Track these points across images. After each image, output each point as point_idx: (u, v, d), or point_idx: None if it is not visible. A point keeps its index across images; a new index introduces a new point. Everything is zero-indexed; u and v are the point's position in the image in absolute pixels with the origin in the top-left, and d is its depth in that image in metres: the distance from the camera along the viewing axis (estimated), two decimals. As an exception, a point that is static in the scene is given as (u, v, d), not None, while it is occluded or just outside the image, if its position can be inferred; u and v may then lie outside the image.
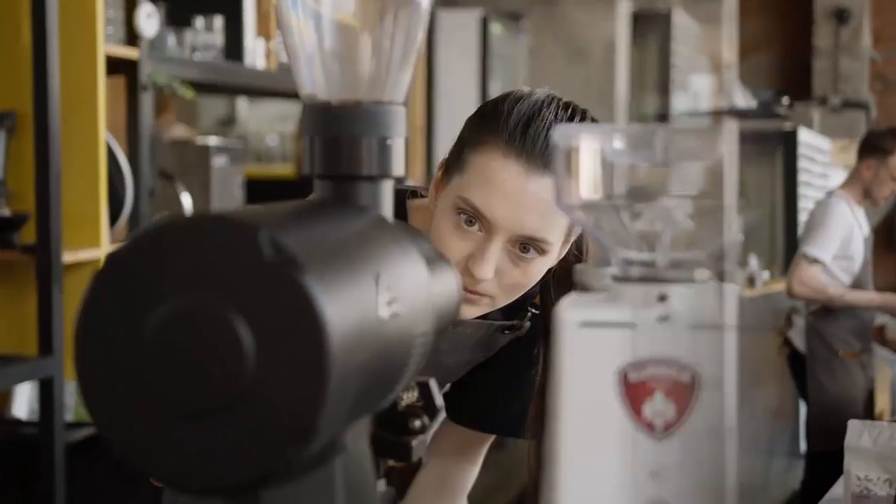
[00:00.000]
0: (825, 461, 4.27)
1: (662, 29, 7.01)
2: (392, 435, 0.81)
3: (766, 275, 6.23)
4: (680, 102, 6.97)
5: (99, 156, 2.57)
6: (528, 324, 1.41)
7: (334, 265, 0.69)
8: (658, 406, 0.70)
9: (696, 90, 7.30)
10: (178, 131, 3.91)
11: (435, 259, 0.90)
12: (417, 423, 0.82)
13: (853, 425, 1.93)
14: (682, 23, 6.92)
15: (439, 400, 0.85)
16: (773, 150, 6.84)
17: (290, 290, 0.64)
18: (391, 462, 0.82)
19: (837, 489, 2.08)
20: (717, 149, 0.72)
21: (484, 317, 1.34)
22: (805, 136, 6.99)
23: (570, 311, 0.72)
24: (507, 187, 1.21)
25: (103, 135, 2.58)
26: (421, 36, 0.88)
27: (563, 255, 1.32)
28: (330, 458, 0.69)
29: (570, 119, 1.28)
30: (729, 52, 5.58)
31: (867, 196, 4.35)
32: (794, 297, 4.36)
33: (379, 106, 0.85)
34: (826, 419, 4.17)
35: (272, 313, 0.64)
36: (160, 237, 0.66)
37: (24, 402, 2.81)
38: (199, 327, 0.64)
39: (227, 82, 3.22)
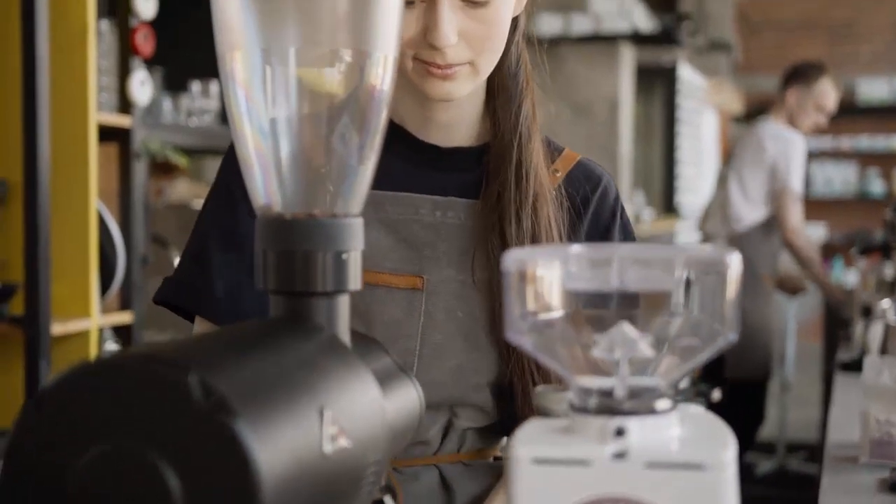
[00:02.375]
0: (740, 390, 4.27)
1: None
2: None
3: (650, 212, 6.31)
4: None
5: (90, 225, 2.55)
6: None
7: (272, 403, 0.66)
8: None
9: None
10: (182, 187, 3.90)
11: (393, 374, 0.87)
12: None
13: (871, 361, 1.79)
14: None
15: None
16: (651, 85, 6.97)
17: (221, 436, 0.61)
18: None
19: (852, 434, 1.88)
20: (672, 277, 0.69)
21: None
22: (684, 73, 7.09)
23: (524, 447, 0.69)
24: None
25: (94, 203, 2.56)
26: (377, 146, 0.85)
27: None
28: None
29: None
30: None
31: (792, 125, 4.48)
32: (789, 242, 4.36)
33: (335, 219, 0.83)
34: (744, 346, 4.13)
35: (202, 460, 0.61)
36: (89, 377, 0.63)
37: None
38: (125, 474, 0.61)
39: (224, 148, 3.21)
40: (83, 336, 2.58)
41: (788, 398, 5.62)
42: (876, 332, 2.95)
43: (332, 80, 0.82)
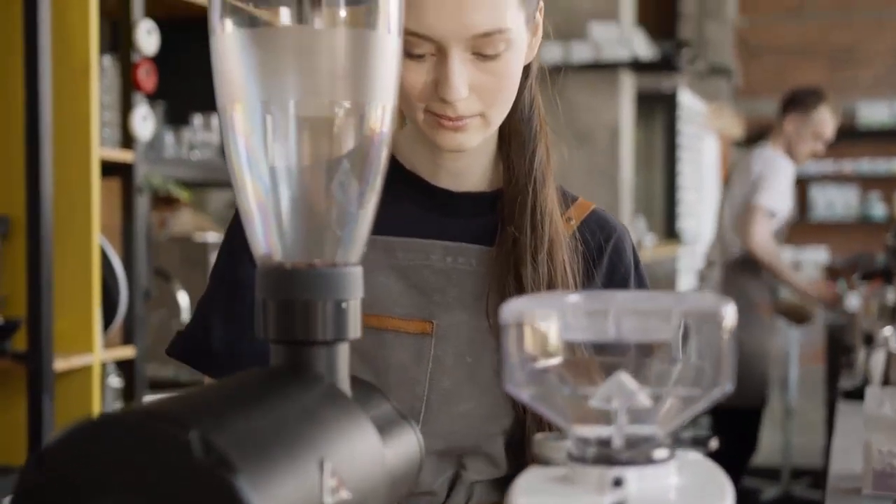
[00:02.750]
0: (733, 417, 4.27)
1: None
2: None
3: (651, 238, 6.33)
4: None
5: (93, 260, 2.56)
6: None
7: (272, 457, 0.66)
8: None
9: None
10: (185, 217, 3.91)
11: (393, 421, 0.87)
12: None
13: (872, 392, 1.77)
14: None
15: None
16: (652, 110, 7.00)
17: (222, 492, 0.61)
18: None
19: (855, 464, 1.85)
20: (669, 327, 0.70)
21: None
22: (684, 99, 7.13)
23: (523, 497, 0.69)
24: None
25: (97, 239, 2.57)
26: (377, 193, 0.86)
27: (537, 33, 1.23)
28: None
29: None
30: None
31: (789, 153, 4.47)
32: (752, 253, 4.35)
33: (334, 269, 0.83)
34: (739, 374, 4.16)
35: (203, 516, 0.61)
36: (90, 433, 0.64)
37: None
38: (127, 530, 0.62)
39: (225, 180, 3.23)
40: (86, 371, 2.58)
41: (792, 423, 5.60)
42: (878, 360, 2.95)
43: (332, 130, 0.83)
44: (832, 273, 10.23)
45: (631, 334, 0.70)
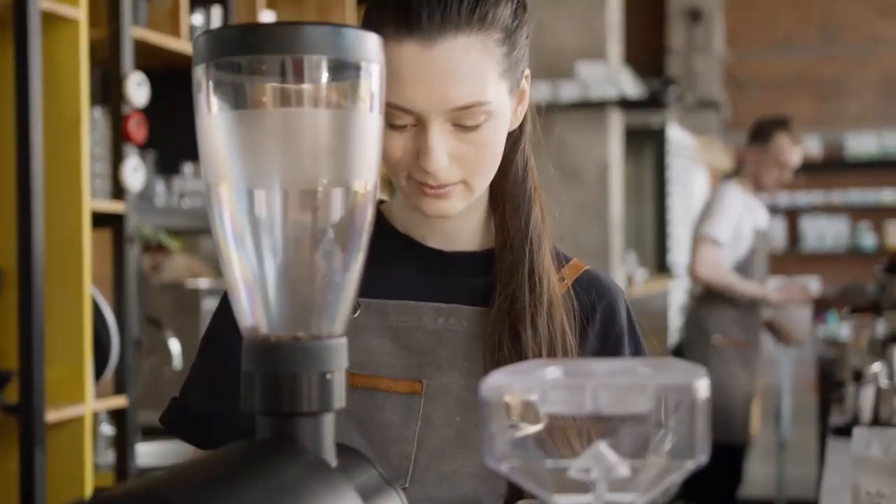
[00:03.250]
0: (716, 453, 4.25)
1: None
2: None
3: (642, 273, 6.34)
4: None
5: (84, 311, 2.58)
6: None
7: (258, 536, 0.68)
8: None
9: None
10: (178, 262, 3.92)
11: (379, 488, 0.89)
12: None
13: (859, 433, 1.77)
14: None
15: None
16: (641, 146, 7.05)
17: (208, 573, 0.63)
18: None
19: (845, 502, 1.87)
20: (645, 400, 0.72)
21: None
22: (673, 133, 7.17)
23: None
24: (411, 69, 1.11)
25: (88, 290, 2.59)
26: (360, 267, 0.88)
27: (523, 100, 1.24)
28: None
29: None
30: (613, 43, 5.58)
31: (757, 184, 4.47)
32: (697, 280, 4.37)
33: (319, 341, 0.85)
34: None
35: None
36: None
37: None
38: None
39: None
40: (78, 422, 2.59)
41: (785, 455, 5.61)
42: (867, 397, 2.96)
43: (316, 206, 0.85)
44: (823, 304, 10.28)
45: (608, 408, 0.72)
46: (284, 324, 0.85)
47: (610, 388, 0.72)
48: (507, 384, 0.73)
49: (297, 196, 0.84)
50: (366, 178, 0.86)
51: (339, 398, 0.85)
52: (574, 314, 1.25)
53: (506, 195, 1.26)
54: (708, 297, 4.39)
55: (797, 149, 4.50)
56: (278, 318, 0.85)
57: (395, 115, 1.14)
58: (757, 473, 6.78)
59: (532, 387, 0.73)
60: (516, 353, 1.19)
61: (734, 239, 4.38)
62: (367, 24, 1.17)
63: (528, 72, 1.24)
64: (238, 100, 0.84)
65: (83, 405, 2.58)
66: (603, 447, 0.74)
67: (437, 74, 1.11)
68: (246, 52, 0.83)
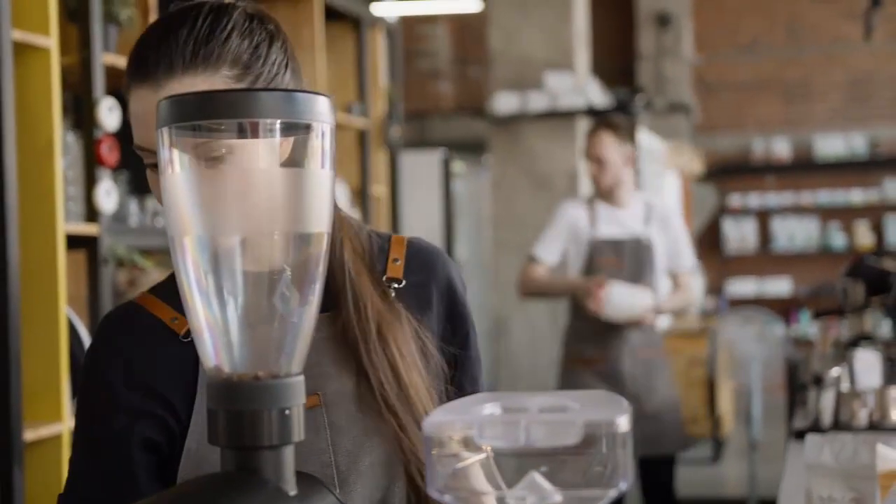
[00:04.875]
0: (649, 466, 4.28)
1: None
2: None
3: None
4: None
5: (60, 332, 2.63)
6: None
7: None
8: None
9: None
10: (154, 277, 3.96)
11: (339, 514, 0.96)
12: None
13: (812, 440, 1.83)
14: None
15: None
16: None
17: None
18: None
19: None
20: (573, 434, 0.79)
21: None
22: (642, 139, 7.27)
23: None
24: (145, 112, 1.21)
25: (63, 311, 2.64)
26: (315, 309, 0.95)
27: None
28: None
29: (199, 16, 1.22)
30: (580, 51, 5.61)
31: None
32: (522, 297, 4.28)
33: (277, 380, 0.92)
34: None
35: None
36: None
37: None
38: None
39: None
40: (55, 440, 2.64)
41: (757, 455, 5.70)
42: (828, 401, 3.03)
43: (272, 255, 0.92)
44: (794, 304, 10.41)
45: (540, 441, 0.79)
46: (245, 364, 0.92)
47: (542, 424, 0.79)
48: (448, 421, 0.80)
49: (255, 245, 0.91)
50: (319, 225, 0.93)
51: (298, 431, 0.92)
52: (413, 301, 1.32)
53: None
54: (570, 324, 4.23)
55: (589, 139, 4.15)
56: (240, 358, 0.92)
57: (146, 156, 1.23)
58: (729, 473, 6.88)
59: (471, 423, 0.80)
60: (364, 375, 1.26)
61: (573, 253, 4.20)
62: (124, 81, 1.27)
63: None
64: (198, 160, 0.91)
65: (61, 423, 2.64)
66: (537, 476, 0.81)
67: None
68: (205, 116, 0.89)
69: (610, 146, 4.05)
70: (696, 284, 4.26)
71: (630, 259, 4.15)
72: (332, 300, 1.29)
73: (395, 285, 1.33)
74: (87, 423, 1.29)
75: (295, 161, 0.92)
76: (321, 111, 0.92)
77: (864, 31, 6.12)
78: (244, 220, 0.91)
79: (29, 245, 2.59)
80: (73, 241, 2.77)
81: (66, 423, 2.67)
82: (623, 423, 0.78)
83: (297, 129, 0.92)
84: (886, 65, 10.27)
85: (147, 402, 1.27)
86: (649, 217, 4.17)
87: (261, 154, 0.90)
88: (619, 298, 4.00)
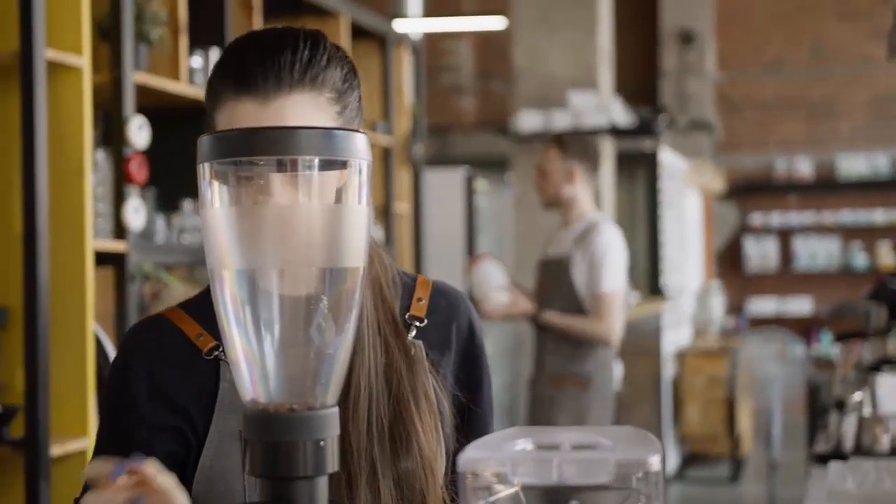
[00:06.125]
0: None
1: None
2: None
3: (635, 296, 6.40)
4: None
5: (87, 347, 2.66)
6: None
7: None
8: None
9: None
10: (178, 290, 3.99)
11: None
12: None
13: (835, 468, 1.85)
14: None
15: None
16: (633, 171, 7.12)
17: None
18: None
19: None
20: (605, 472, 0.80)
21: None
22: (665, 157, 7.27)
23: None
24: (247, 125, 1.20)
25: (91, 327, 2.67)
26: (350, 342, 0.97)
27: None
28: None
29: (299, 38, 1.24)
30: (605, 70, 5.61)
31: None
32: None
33: (313, 411, 0.94)
34: None
35: None
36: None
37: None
38: None
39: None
40: (82, 455, 2.67)
41: (776, 476, 5.69)
42: (850, 426, 3.02)
43: (310, 290, 0.94)
44: (816, 323, 10.36)
45: (572, 479, 0.81)
46: (281, 394, 0.94)
47: (574, 462, 0.81)
48: (482, 458, 0.81)
49: (292, 279, 0.93)
50: (356, 260, 0.95)
51: (332, 463, 0.93)
52: (432, 343, 1.34)
53: None
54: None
55: (544, 155, 4.14)
56: (276, 389, 0.94)
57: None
58: (748, 493, 6.86)
59: (503, 460, 0.81)
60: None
61: None
62: (211, 87, 1.26)
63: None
64: (238, 195, 0.93)
65: (87, 439, 2.67)
66: (570, 512, 0.82)
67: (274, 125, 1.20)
68: (246, 153, 0.91)
69: (552, 159, 4.06)
70: (612, 314, 3.89)
71: (547, 278, 4.10)
72: None
73: (417, 324, 1.34)
74: (109, 431, 1.30)
75: (332, 197, 0.93)
76: (359, 148, 0.94)
77: (889, 51, 6.11)
78: (282, 254, 0.93)
79: (58, 261, 2.62)
80: (101, 258, 2.80)
81: (92, 439, 2.70)
82: (655, 462, 0.79)
83: (335, 166, 0.93)
84: (911, 85, 10.24)
85: (168, 415, 1.28)
86: (582, 237, 4.04)
87: (299, 189, 0.92)
88: (480, 276, 4.02)
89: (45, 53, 2.55)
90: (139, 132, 2.85)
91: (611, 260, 3.96)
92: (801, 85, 10.50)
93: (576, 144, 4.12)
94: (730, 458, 7.10)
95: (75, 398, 2.65)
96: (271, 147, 0.91)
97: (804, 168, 10.46)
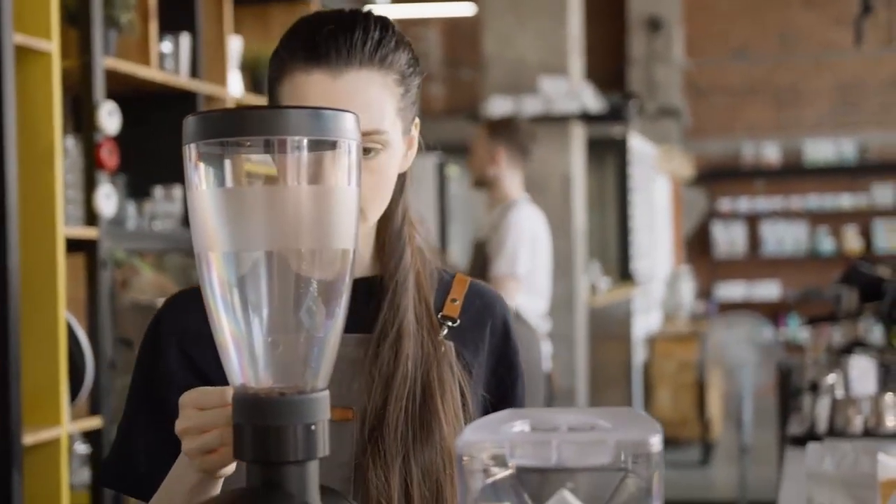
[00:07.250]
0: None
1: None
2: None
3: (606, 282, 6.43)
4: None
5: (59, 335, 2.63)
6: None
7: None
8: None
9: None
10: (147, 278, 3.95)
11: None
12: None
13: (813, 448, 1.85)
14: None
15: None
16: (603, 156, 7.17)
17: None
18: None
19: None
20: (605, 453, 0.79)
21: None
22: (634, 143, 7.32)
23: None
24: (318, 97, 1.22)
25: (63, 314, 2.64)
26: (340, 326, 0.95)
27: (412, 147, 1.32)
28: None
29: (370, 19, 1.26)
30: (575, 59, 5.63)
31: None
32: None
33: (303, 395, 0.92)
34: None
35: None
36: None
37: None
38: None
39: (186, 248, 3.30)
40: (54, 444, 2.64)
41: (747, 459, 5.72)
42: (823, 407, 3.03)
43: (298, 272, 0.92)
44: (783, 308, 10.44)
45: (571, 461, 0.80)
46: (271, 379, 0.93)
47: (573, 443, 0.80)
48: (479, 440, 0.80)
49: (280, 261, 0.92)
50: (345, 241, 0.94)
51: (324, 447, 0.92)
52: (464, 343, 1.33)
53: (385, 238, 1.32)
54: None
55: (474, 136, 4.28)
56: (265, 373, 0.93)
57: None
58: (719, 476, 6.90)
59: (501, 442, 0.80)
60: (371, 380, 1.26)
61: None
62: (277, 58, 1.27)
63: (418, 121, 1.33)
64: (224, 176, 0.91)
65: (59, 427, 2.64)
66: (567, 494, 0.81)
67: (342, 101, 1.20)
68: (231, 133, 0.90)
69: (479, 140, 4.15)
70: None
71: (474, 260, 4.16)
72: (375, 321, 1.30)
73: (450, 324, 1.33)
74: (142, 400, 1.31)
75: (321, 178, 0.92)
76: (348, 128, 0.93)
77: (855, 37, 6.15)
78: (270, 236, 0.91)
79: (29, 249, 2.59)
80: (73, 245, 2.77)
81: (65, 427, 2.67)
82: (656, 442, 0.78)
83: (324, 146, 0.92)
84: (876, 71, 10.30)
85: (196, 381, 1.27)
86: (498, 219, 4.10)
87: (287, 170, 0.90)
88: None
89: (14, 38, 2.51)
90: (109, 118, 2.82)
91: (511, 242, 3.97)
92: (768, 71, 10.55)
93: (503, 128, 4.19)
94: (700, 441, 7.15)
95: (48, 386, 2.62)
96: (259, 127, 0.90)
97: (771, 154, 10.52)
